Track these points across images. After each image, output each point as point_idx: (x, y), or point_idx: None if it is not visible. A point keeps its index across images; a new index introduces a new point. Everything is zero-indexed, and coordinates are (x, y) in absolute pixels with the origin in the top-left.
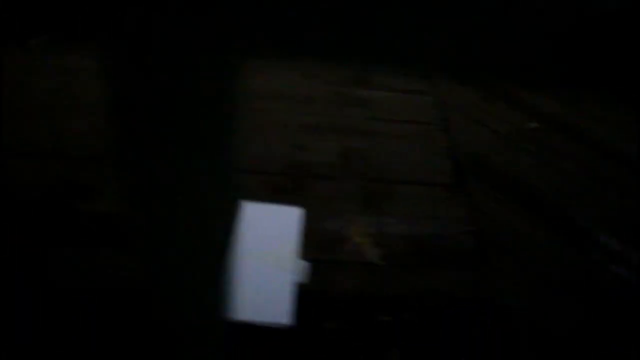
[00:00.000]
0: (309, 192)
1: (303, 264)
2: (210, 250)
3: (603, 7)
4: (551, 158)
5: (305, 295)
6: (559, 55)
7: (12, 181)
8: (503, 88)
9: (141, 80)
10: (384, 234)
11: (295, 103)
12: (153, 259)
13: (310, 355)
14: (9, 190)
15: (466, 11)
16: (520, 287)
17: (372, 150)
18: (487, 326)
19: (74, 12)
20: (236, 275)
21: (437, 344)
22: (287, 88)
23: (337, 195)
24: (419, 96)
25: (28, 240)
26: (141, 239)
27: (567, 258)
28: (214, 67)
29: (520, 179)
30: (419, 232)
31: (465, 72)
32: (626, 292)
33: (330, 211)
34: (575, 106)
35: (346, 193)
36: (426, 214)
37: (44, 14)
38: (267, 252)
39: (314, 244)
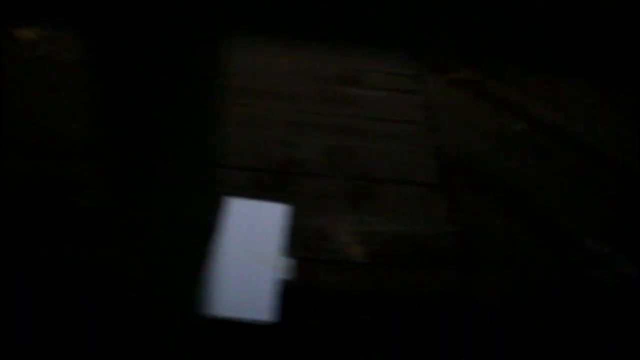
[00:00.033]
0: (294, 189)
1: (287, 261)
2: (192, 246)
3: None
4: (537, 160)
5: (288, 293)
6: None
7: None
8: (492, 89)
9: (124, 75)
10: (369, 233)
11: (282, 99)
12: (134, 253)
13: (292, 352)
14: None
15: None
16: (502, 288)
17: (359, 148)
18: (469, 327)
19: (64, 3)
20: (219, 271)
21: (419, 344)
22: (274, 84)
23: (323, 193)
24: (407, 95)
25: (12, 234)
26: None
27: (550, 260)
28: (197, 59)
29: (506, 180)
30: (403, 232)
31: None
32: (606, 296)
33: (315, 209)
34: (562, 109)
35: (331, 191)
36: (411, 213)
37: (34, 4)
38: (251, 248)
39: (298, 241)
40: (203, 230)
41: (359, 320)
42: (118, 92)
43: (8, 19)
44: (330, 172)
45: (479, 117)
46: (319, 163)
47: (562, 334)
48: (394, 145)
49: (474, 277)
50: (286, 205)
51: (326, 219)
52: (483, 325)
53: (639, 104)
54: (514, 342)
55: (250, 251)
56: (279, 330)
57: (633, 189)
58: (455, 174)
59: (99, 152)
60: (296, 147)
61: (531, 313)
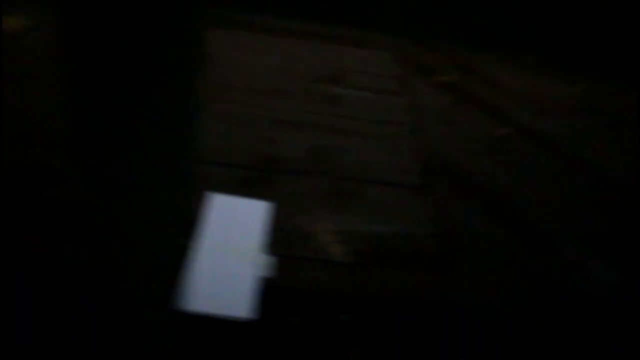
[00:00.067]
0: (277, 186)
1: (267, 259)
2: (172, 240)
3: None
4: (519, 164)
5: (268, 290)
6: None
7: None
8: (477, 94)
9: (105, 68)
10: (350, 233)
11: (267, 97)
12: (113, 246)
13: (272, 349)
14: None
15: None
16: (480, 290)
17: (343, 148)
18: (448, 328)
19: None
20: (199, 267)
21: (398, 343)
22: (260, 82)
23: (305, 192)
24: (392, 97)
25: None
26: (101, 225)
27: (529, 264)
28: (181, 53)
29: (488, 184)
30: (384, 232)
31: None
32: (584, 300)
33: (296, 207)
34: (545, 114)
35: (314, 190)
36: (393, 214)
37: None
38: (232, 245)
39: (279, 239)
40: (184, 225)
41: (339, 319)
42: (99, 86)
43: None
44: (313, 171)
45: (463, 120)
46: (303, 162)
47: (540, 336)
48: (378, 147)
49: (454, 278)
50: (268, 203)
51: (308, 217)
52: (461, 325)
53: (621, 110)
54: (490, 343)
55: (231, 247)
56: (259, 328)
57: (616, 196)
58: (438, 176)
59: (80, 145)
60: (280, 145)
61: (509, 315)
